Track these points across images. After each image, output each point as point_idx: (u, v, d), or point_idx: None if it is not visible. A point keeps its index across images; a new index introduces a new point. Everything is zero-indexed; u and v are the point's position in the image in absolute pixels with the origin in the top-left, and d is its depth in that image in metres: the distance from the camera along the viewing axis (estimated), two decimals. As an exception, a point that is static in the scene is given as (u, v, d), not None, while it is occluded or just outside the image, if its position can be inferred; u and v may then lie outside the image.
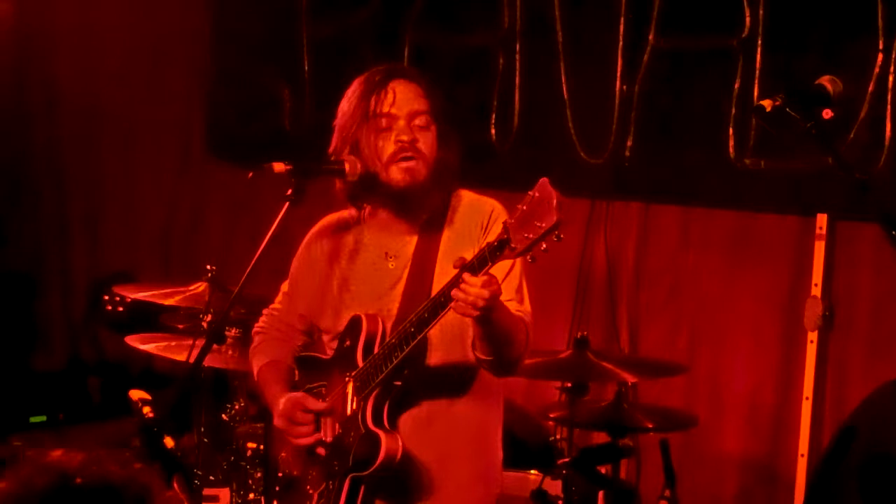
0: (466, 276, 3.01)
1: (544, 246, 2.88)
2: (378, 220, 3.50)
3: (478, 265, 3.02)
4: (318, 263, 3.58)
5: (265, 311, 3.76)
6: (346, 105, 3.44)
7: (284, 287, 3.71)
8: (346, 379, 3.40)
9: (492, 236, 3.03)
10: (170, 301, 5.10)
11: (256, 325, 3.78)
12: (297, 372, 3.64)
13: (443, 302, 3.12)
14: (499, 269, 3.08)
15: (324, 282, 3.56)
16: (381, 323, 3.37)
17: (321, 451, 3.46)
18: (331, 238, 3.58)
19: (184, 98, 7.08)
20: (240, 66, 6.72)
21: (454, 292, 3.03)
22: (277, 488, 3.63)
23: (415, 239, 3.45)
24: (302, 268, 3.64)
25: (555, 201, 2.84)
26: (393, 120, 3.37)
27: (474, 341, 3.25)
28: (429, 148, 3.38)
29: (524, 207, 2.90)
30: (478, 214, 3.42)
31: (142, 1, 7.14)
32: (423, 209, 3.44)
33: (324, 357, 3.58)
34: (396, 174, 3.36)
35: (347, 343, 3.42)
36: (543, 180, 2.89)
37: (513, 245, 2.91)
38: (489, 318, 3.09)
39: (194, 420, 5.01)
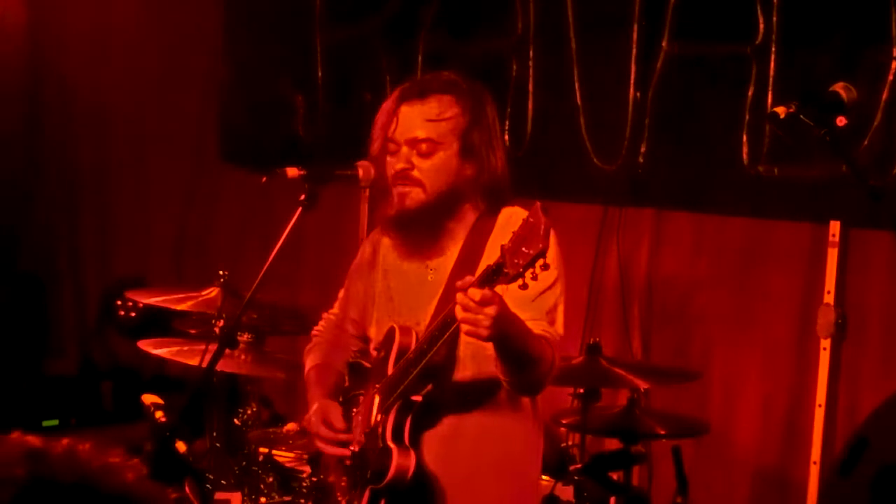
0: (471, 291, 2.92)
1: (533, 273, 2.81)
2: None
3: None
4: (366, 269, 3.57)
5: (324, 315, 3.76)
6: (378, 117, 3.42)
7: (341, 292, 3.71)
8: (374, 390, 3.39)
9: (491, 259, 2.96)
10: (182, 306, 5.10)
11: (315, 327, 3.78)
12: (346, 378, 3.63)
13: (449, 322, 3.06)
14: (534, 288, 2.99)
15: (370, 289, 3.55)
16: (414, 335, 3.33)
17: (348, 460, 3.46)
18: (381, 244, 3.55)
19: (197, 103, 7.09)
20: (253, 71, 6.73)
21: (456, 310, 2.96)
22: (315, 492, 3.68)
23: (456, 252, 3.39)
24: (354, 273, 3.64)
25: (542, 228, 2.77)
26: (398, 146, 3.35)
27: (494, 361, 3.18)
28: (427, 175, 3.32)
29: (519, 232, 2.84)
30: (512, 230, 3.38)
31: (155, 6, 7.16)
32: (433, 233, 3.38)
33: (367, 365, 3.56)
34: (395, 197, 3.36)
35: (382, 354, 3.40)
36: (536, 206, 2.82)
37: (506, 270, 2.84)
38: (502, 340, 3.02)
39: (206, 424, 5.01)
